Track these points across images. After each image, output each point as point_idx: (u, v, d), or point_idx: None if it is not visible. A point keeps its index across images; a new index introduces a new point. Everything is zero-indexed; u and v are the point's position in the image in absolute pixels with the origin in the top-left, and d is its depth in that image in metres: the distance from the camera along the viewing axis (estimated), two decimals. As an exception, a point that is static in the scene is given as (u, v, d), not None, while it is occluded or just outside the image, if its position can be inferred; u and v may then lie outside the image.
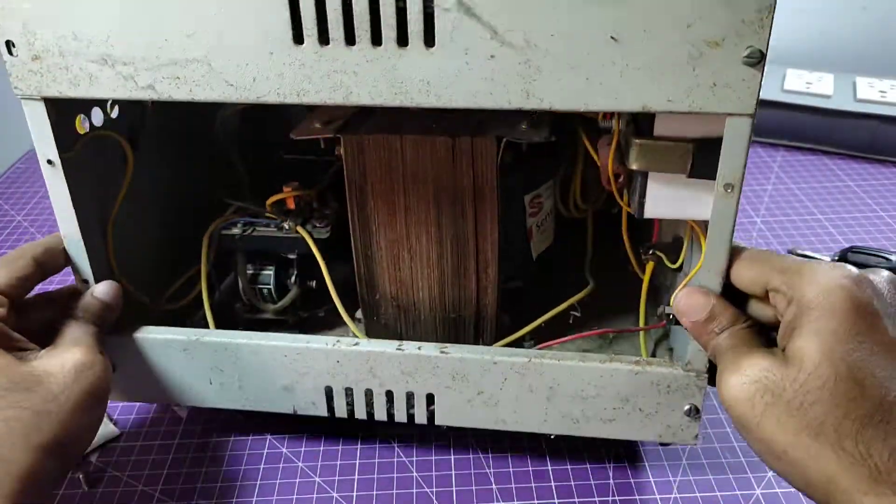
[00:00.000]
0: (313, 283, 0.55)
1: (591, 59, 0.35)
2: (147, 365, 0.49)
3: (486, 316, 0.52)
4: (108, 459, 0.51)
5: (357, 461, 0.52)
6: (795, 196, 0.82)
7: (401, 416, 0.48)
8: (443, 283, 0.51)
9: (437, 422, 0.48)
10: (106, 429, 0.53)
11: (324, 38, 0.37)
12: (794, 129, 0.92)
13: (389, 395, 0.47)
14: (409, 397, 0.47)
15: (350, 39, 0.37)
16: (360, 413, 0.48)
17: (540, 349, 0.48)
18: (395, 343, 0.46)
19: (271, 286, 0.54)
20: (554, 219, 0.58)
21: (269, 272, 0.54)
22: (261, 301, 0.55)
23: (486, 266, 0.50)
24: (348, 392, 0.48)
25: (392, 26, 0.36)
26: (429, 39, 0.36)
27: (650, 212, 0.43)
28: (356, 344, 0.46)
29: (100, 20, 0.38)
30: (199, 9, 0.37)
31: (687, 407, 0.44)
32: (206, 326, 0.52)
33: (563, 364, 0.45)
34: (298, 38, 0.37)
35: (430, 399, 0.47)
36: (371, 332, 0.53)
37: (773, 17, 0.34)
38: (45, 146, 0.42)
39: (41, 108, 0.41)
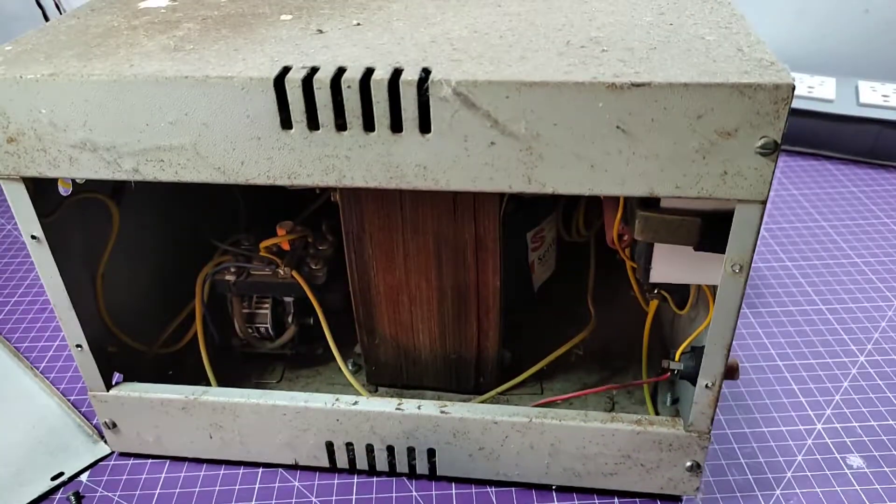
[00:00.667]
0: (311, 320, 0.54)
1: (596, 148, 0.34)
2: (146, 421, 0.48)
3: (486, 357, 0.51)
4: (98, 479, 0.50)
5: (353, 496, 0.51)
6: (798, 202, 0.81)
7: (402, 468, 0.48)
8: (443, 325, 0.50)
9: (439, 473, 0.48)
10: (97, 447, 0.52)
11: (313, 124, 0.35)
12: (795, 133, 0.90)
13: (390, 449, 0.47)
14: (410, 451, 0.47)
15: (341, 126, 0.35)
16: (362, 465, 0.49)
17: (542, 405, 0.48)
18: (395, 402, 0.46)
19: (268, 325, 0.54)
20: (556, 247, 0.57)
21: (265, 311, 0.53)
22: (258, 339, 0.55)
23: (488, 311, 0.49)
24: (349, 447, 0.48)
25: (385, 114, 0.34)
26: (424, 126, 0.34)
27: (656, 277, 0.42)
28: (356, 403, 0.46)
29: (75, 105, 0.36)
30: (180, 97, 0.35)
31: (689, 464, 0.45)
32: (203, 370, 0.51)
33: (564, 424, 0.44)
34: (287, 123, 0.35)
35: (432, 453, 0.47)
36: (370, 370, 0.53)
37: (789, 107, 0.32)
38: (28, 223, 0.40)
39: (21, 188, 0.39)
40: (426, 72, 0.34)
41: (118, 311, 0.48)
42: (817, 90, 0.91)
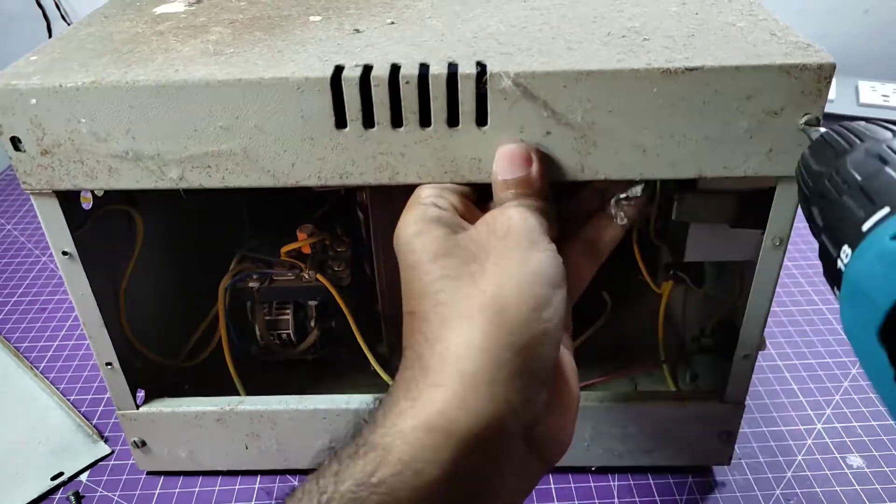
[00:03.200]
0: (333, 323, 0.54)
1: (649, 133, 0.35)
2: (179, 437, 0.47)
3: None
4: (98, 478, 0.50)
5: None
6: (797, 201, 0.83)
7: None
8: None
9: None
10: (96, 447, 0.52)
11: (368, 122, 0.35)
12: None
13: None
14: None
15: (397, 122, 0.35)
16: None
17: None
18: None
19: (290, 331, 0.53)
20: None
21: (287, 317, 0.53)
22: (279, 346, 0.54)
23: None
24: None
25: (443, 109, 0.34)
26: (481, 119, 0.35)
27: (691, 256, 0.43)
28: (399, 401, 0.46)
29: (119, 113, 0.34)
30: (232, 100, 0.34)
31: (723, 434, 0.46)
32: (223, 381, 0.50)
33: (605, 405, 0.45)
34: (341, 122, 0.35)
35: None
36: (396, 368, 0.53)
37: (830, 85, 0.34)
38: (60, 239, 0.39)
39: (54, 202, 0.38)
40: (481, 65, 0.34)
41: (139, 326, 0.47)
42: None
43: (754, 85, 0.33)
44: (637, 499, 0.48)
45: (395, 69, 0.34)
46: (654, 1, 0.42)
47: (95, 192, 0.43)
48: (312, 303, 0.52)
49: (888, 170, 0.23)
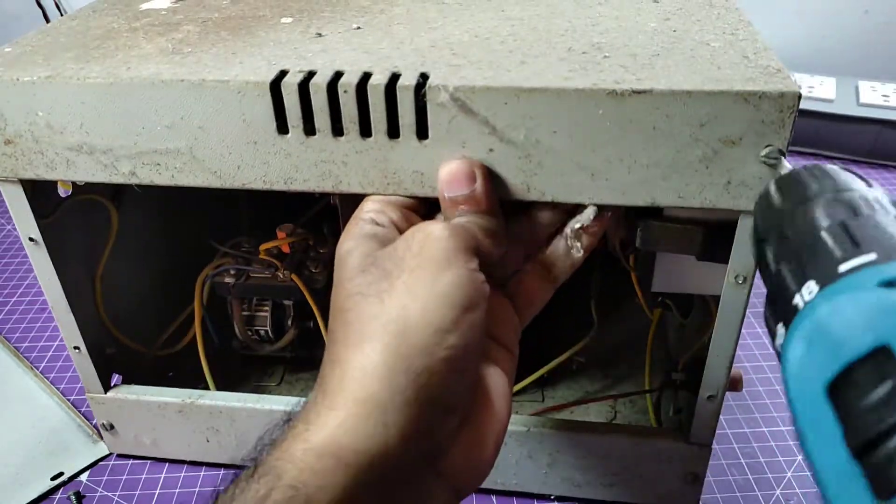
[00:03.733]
0: (311, 324, 0.54)
1: (596, 157, 0.33)
2: (143, 423, 0.48)
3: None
4: (98, 478, 0.50)
5: None
6: (799, 202, 0.80)
7: (401, 474, 0.48)
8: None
9: (438, 480, 0.48)
10: (96, 447, 0.52)
11: (309, 129, 0.34)
12: (795, 133, 0.88)
13: (389, 456, 0.47)
14: (409, 458, 0.47)
15: (337, 131, 0.34)
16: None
17: (542, 412, 0.47)
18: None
19: (268, 328, 0.53)
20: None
21: (265, 314, 0.53)
22: (257, 342, 0.54)
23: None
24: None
25: (382, 120, 0.33)
26: (422, 132, 0.34)
27: (658, 286, 0.41)
28: (354, 409, 0.46)
29: (72, 108, 0.35)
30: (176, 100, 0.34)
31: (689, 475, 0.44)
32: (202, 372, 0.51)
33: (563, 434, 0.44)
34: (283, 128, 0.34)
35: (430, 460, 0.47)
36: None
37: (795, 116, 0.31)
38: (26, 225, 0.40)
39: (18, 190, 0.39)
40: (424, 77, 0.33)
41: (117, 313, 0.48)
42: (817, 90, 0.90)
43: (708, 112, 0.31)
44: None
45: (336, 76, 0.34)
46: (636, 14, 0.40)
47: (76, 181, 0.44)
48: (288, 302, 0.52)
49: (879, 217, 0.22)
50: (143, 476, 0.51)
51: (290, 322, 0.53)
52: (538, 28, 0.38)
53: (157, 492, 0.49)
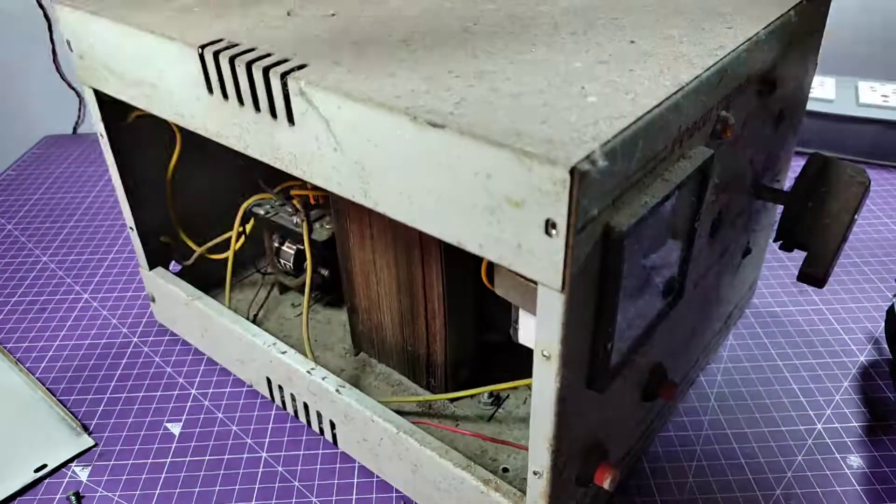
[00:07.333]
0: (326, 273, 0.59)
1: (411, 182, 0.33)
2: (169, 304, 0.59)
3: (435, 361, 0.51)
4: (98, 478, 0.50)
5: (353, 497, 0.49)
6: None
7: (315, 428, 0.52)
8: (401, 315, 0.51)
9: (339, 447, 0.51)
10: (80, 439, 0.53)
11: (224, 94, 0.39)
12: None
13: (305, 406, 0.51)
14: (319, 416, 0.51)
15: (240, 101, 0.39)
16: (290, 410, 0.53)
17: (429, 401, 0.47)
18: (310, 364, 0.50)
19: (290, 263, 0.60)
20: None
21: (290, 250, 0.60)
22: (283, 273, 0.62)
23: (434, 316, 0.49)
24: (280, 388, 0.53)
25: (264, 99, 0.37)
26: (290, 117, 0.36)
27: (523, 339, 0.39)
28: (284, 352, 0.51)
29: (102, 41, 0.45)
30: (151, 46, 0.42)
31: None
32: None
33: (423, 451, 0.44)
34: (210, 88, 0.40)
35: (333, 424, 0.50)
36: (353, 335, 0.56)
37: (572, 194, 0.27)
38: (96, 123, 0.52)
39: (91, 94, 0.51)
40: (300, 67, 0.36)
41: (184, 212, 0.59)
42: (817, 90, 0.90)
43: (486, 163, 0.29)
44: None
45: (243, 53, 0.38)
46: (575, 53, 0.36)
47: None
48: (300, 246, 0.58)
49: None
50: (143, 476, 0.51)
51: (303, 265, 0.59)
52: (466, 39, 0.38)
53: (157, 492, 0.49)
